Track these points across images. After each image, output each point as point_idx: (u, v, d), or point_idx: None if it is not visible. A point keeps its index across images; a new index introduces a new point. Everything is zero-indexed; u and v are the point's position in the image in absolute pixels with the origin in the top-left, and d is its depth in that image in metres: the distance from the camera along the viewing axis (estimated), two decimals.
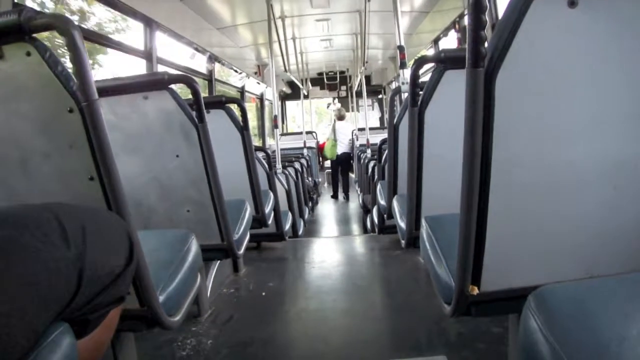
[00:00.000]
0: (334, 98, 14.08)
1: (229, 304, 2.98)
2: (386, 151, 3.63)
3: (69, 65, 1.20)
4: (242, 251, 2.76)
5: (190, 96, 2.25)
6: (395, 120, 3.05)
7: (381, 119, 14.13)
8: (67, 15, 2.38)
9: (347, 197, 11.35)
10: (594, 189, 1.27)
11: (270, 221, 3.83)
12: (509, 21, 1.09)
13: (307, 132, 10.97)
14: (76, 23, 1.15)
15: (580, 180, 1.25)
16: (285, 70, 8.08)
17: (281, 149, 5.92)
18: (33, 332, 0.84)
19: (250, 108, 11.10)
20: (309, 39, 8.38)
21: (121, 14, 4.18)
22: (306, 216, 6.91)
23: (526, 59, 1.12)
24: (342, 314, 2.77)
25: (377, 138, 6.04)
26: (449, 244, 1.58)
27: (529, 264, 1.35)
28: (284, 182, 5.28)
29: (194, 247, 1.89)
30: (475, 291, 1.34)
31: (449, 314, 1.47)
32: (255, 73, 9.47)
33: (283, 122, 14.43)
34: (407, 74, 3.79)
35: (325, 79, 13.20)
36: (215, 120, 2.79)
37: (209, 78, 6.71)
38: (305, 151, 9.55)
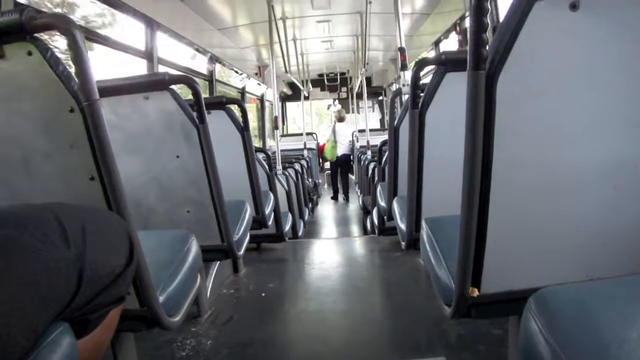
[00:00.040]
0: (334, 99, 14.06)
1: (229, 304, 2.98)
2: (386, 153, 3.63)
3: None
4: (242, 252, 2.76)
5: (190, 97, 2.25)
6: (395, 122, 3.05)
7: (381, 121, 14.13)
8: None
9: (347, 199, 11.36)
10: (594, 191, 1.27)
11: (270, 222, 3.83)
12: (511, 24, 1.09)
13: (308, 134, 10.97)
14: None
15: (580, 182, 1.25)
16: (286, 72, 8.08)
17: (281, 150, 5.92)
18: (33, 332, 0.84)
19: (251, 109, 11.09)
20: (309, 40, 8.38)
21: (109, 7, 4.16)
22: (306, 217, 6.91)
23: (527, 62, 1.12)
24: (342, 315, 2.77)
25: (377, 140, 6.05)
26: (449, 246, 1.58)
27: (529, 265, 1.34)
28: (284, 183, 5.28)
29: (194, 247, 1.89)
30: (476, 293, 1.34)
31: (449, 315, 1.47)
32: (256, 74, 9.48)
33: (283, 123, 14.43)
34: (408, 75, 3.79)
35: (325, 81, 13.19)
36: (216, 121, 2.79)
37: (210, 79, 6.71)
38: (305, 152, 9.54)
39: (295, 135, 12.17)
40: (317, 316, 2.75)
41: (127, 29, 4.31)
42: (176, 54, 5.49)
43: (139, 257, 1.27)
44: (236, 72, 8.43)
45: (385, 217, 3.65)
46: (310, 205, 8.31)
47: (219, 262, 3.08)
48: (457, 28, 5.57)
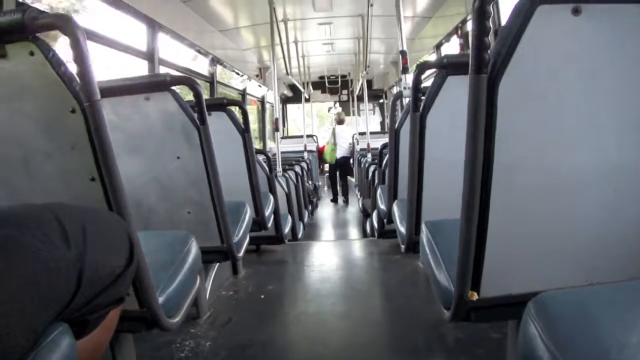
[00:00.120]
0: (335, 102, 14.07)
1: (228, 306, 2.98)
2: (387, 156, 3.64)
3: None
4: (241, 254, 2.76)
5: (191, 98, 2.25)
6: (396, 125, 3.06)
7: (382, 124, 14.14)
8: None
9: (346, 201, 11.36)
10: (594, 195, 1.27)
11: (270, 224, 3.83)
12: (513, 28, 1.09)
13: (308, 136, 10.97)
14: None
15: (581, 186, 1.25)
16: (287, 74, 8.09)
17: (282, 152, 5.92)
18: (33, 332, 0.84)
19: (252, 111, 11.11)
20: (311, 42, 8.38)
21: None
22: (306, 219, 6.91)
23: (529, 66, 1.12)
24: (341, 318, 2.76)
25: (377, 142, 6.05)
26: (449, 249, 1.58)
27: (529, 270, 1.34)
28: (284, 185, 5.28)
29: (193, 248, 1.89)
30: (475, 297, 1.34)
31: (448, 319, 1.47)
32: (257, 76, 9.48)
33: (284, 125, 14.43)
34: (409, 79, 3.80)
35: (326, 83, 13.19)
36: (217, 122, 2.79)
37: (211, 80, 6.72)
38: (305, 154, 9.54)
39: (295, 137, 12.16)
40: (317, 318, 2.75)
41: (129, 30, 4.32)
42: (177, 55, 5.50)
43: (139, 258, 1.27)
44: (237, 73, 8.44)
45: (385, 220, 3.65)
46: (310, 208, 8.30)
47: (218, 263, 3.07)
48: (459, 31, 5.59)
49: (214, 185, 2.36)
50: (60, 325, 0.92)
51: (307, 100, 12.37)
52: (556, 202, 1.27)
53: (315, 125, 15.98)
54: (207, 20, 5.95)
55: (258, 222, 3.50)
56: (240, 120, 3.36)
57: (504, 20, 1.15)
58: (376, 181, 4.68)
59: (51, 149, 1.32)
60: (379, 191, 4.05)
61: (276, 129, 6.15)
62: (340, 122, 11.11)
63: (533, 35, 1.09)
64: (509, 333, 1.66)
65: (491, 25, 1.08)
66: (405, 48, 4.23)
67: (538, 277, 1.34)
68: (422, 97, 2.33)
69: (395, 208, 3.02)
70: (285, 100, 14.15)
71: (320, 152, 11.82)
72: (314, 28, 7.30)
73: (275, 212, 4.17)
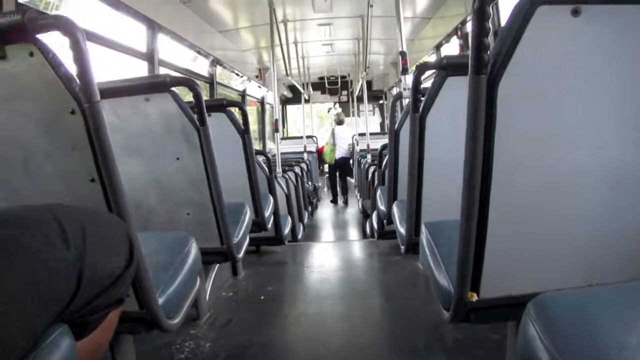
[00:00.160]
0: (335, 103, 14.07)
1: (228, 307, 2.98)
2: (386, 156, 3.64)
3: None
4: (241, 255, 2.76)
5: (191, 99, 2.25)
6: (396, 126, 3.06)
7: (382, 124, 14.14)
8: None
9: (346, 201, 11.37)
10: (594, 196, 1.27)
11: (269, 225, 3.83)
12: (513, 28, 1.09)
13: (308, 137, 10.96)
14: None
15: (580, 187, 1.25)
16: (287, 74, 8.10)
17: (281, 153, 5.92)
18: (32, 333, 0.84)
19: (251, 112, 11.11)
20: (310, 43, 8.39)
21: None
22: (305, 220, 6.91)
23: (529, 67, 1.12)
24: (341, 319, 2.77)
25: (377, 143, 6.05)
26: (449, 250, 1.58)
27: (528, 271, 1.34)
28: (284, 186, 5.28)
29: (193, 249, 1.89)
30: (475, 298, 1.34)
31: (448, 320, 1.47)
32: (257, 77, 9.49)
33: (284, 126, 14.44)
34: (409, 79, 3.80)
35: (326, 84, 13.18)
36: (216, 124, 2.79)
37: (211, 81, 6.72)
38: (305, 155, 9.54)
39: (295, 138, 12.16)
40: (316, 319, 2.75)
41: (128, 31, 4.32)
42: (177, 56, 5.50)
43: (138, 259, 1.27)
44: (237, 74, 8.44)
45: (384, 221, 3.65)
46: (309, 209, 8.30)
47: (218, 264, 3.07)
48: (459, 32, 5.59)
49: (213, 186, 2.35)
50: (60, 326, 0.92)
51: (307, 101, 12.37)
52: (556, 202, 1.27)
53: (315, 126, 15.98)
54: (207, 21, 5.96)
55: (258, 223, 3.50)
56: (240, 121, 3.36)
57: (503, 21, 1.15)
58: (376, 182, 4.68)
59: (51, 149, 1.32)
60: (378, 192, 4.05)
61: (276, 130, 6.15)
62: (339, 122, 11.10)
63: (533, 36, 1.09)
64: (508, 334, 1.66)
65: (491, 26, 1.08)
66: (405, 49, 4.23)
67: (537, 278, 1.34)
68: (422, 98, 2.33)
69: (395, 209, 3.02)
70: (285, 101, 14.15)
71: (319, 152, 11.81)
72: (313, 29, 7.30)
73: (275, 213, 4.17)
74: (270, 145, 11.39)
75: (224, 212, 2.43)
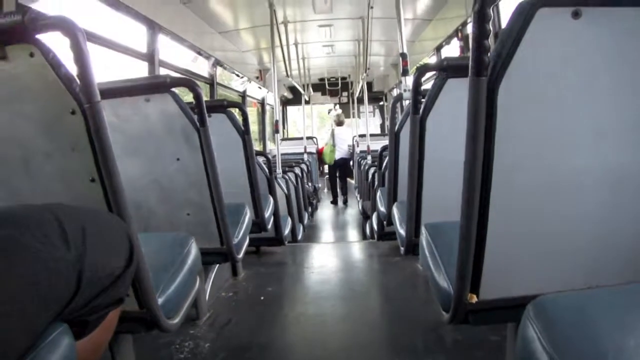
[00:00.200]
0: (335, 104, 14.06)
1: (228, 307, 2.98)
2: (387, 158, 3.64)
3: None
4: (241, 255, 2.76)
5: (191, 99, 2.25)
6: (396, 127, 3.05)
7: (382, 126, 14.14)
8: None
9: (345, 201, 11.37)
10: (594, 199, 1.27)
11: (269, 226, 3.83)
12: (513, 30, 1.09)
13: (308, 138, 10.96)
14: None
15: (580, 189, 1.25)
16: (287, 76, 8.10)
17: (282, 154, 5.92)
18: (32, 333, 0.84)
19: (252, 112, 11.11)
20: (311, 44, 8.38)
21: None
22: (305, 221, 6.91)
23: (529, 69, 1.12)
24: (341, 320, 2.77)
25: (377, 145, 6.05)
26: (449, 252, 1.58)
27: (528, 273, 1.34)
28: (284, 187, 5.28)
29: (193, 250, 1.89)
30: (474, 299, 1.34)
31: (447, 321, 1.47)
32: (257, 77, 9.48)
33: (284, 127, 14.44)
34: (409, 81, 3.80)
35: (326, 85, 13.17)
36: (217, 124, 2.79)
37: (211, 82, 6.72)
38: (305, 156, 9.54)
39: (295, 139, 12.16)
40: (316, 320, 2.75)
41: (129, 31, 4.32)
42: (177, 56, 5.50)
43: (138, 259, 1.27)
44: (237, 75, 8.43)
45: (384, 222, 3.65)
46: (309, 210, 8.30)
47: (218, 265, 3.07)
48: (459, 34, 5.58)
49: (213, 187, 2.36)
50: (60, 325, 0.92)
51: (307, 102, 12.37)
52: (555, 204, 1.27)
53: (316, 127, 15.98)
54: (207, 22, 5.95)
55: (258, 224, 3.51)
56: (240, 122, 3.36)
57: (504, 23, 1.15)
58: (376, 183, 4.69)
59: (51, 150, 1.32)
60: (378, 193, 4.05)
61: (276, 131, 6.15)
62: (339, 123, 11.09)
63: (533, 38, 1.09)
64: (507, 335, 1.66)
65: (491, 28, 1.08)
66: (405, 50, 4.22)
67: (537, 279, 1.34)
68: (422, 100, 2.33)
69: (394, 210, 3.02)
70: (285, 102, 14.15)
71: (319, 153, 11.81)
72: (314, 30, 7.30)
73: (275, 213, 4.17)
74: (270, 146, 11.39)
75: (224, 213, 2.43)
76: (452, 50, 6.17)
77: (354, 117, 12.86)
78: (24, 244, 0.87)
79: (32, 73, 1.20)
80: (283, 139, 11.68)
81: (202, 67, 6.48)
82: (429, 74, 3.31)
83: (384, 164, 4.14)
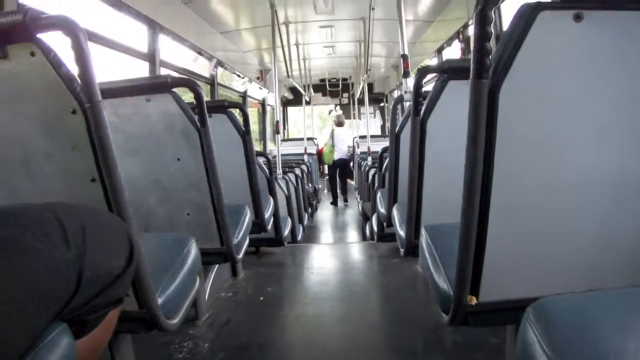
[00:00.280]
0: (335, 105, 14.05)
1: (227, 308, 2.98)
2: (387, 159, 3.64)
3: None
4: (241, 255, 2.76)
5: (192, 99, 2.25)
6: (397, 129, 3.05)
7: (382, 127, 14.14)
8: None
9: (345, 200, 11.38)
10: (595, 202, 1.27)
11: (269, 226, 3.83)
12: (515, 33, 1.09)
13: (308, 139, 10.96)
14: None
15: (581, 192, 1.25)
16: (288, 76, 8.09)
17: (282, 155, 5.91)
18: (32, 333, 0.84)
19: (252, 113, 11.11)
20: (312, 45, 8.39)
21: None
22: (305, 222, 6.91)
23: (531, 71, 1.12)
24: (340, 320, 2.77)
25: (378, 146, 6.05)
26: (448, 254, 1.58)
27: (528, 275, 1.34)
28: (284, 187, 5.28)
29: (193, 250, 1.89)
30: (474, 301, 1.34)
31: (447, 323, 1.47)
32: (258, 78, 9.48)
33: (284, 128, 14.44)
34: (410, 82, 3.79)
35: (327, 86, 13.16)
36: (217, 124, 2.79)
37: (212, 82, 6.72)
38: (306, 157, 9.54)
39: (296, 139, 12.15)
40: (315, 321, 2.75)
41: (130, 31, 4.32)
42: (178, 56, 5.50)
43: (138, 259, 1.27)
44: (238, 75, 8.43)
45: (384, 224, 3.65)
46: (309, 210, 8.30)
47: (217, 265, 3.07)
48: (460, 36, 5.58)
49: (214, 187, 2.36)
50: (60, 325, 0.92)
51: (308, 103, 12.37)
52: (556, 207, 1.27)
53: (317, 127, 15.98)
54: (209, 22, 5.96)
55: (258, 224, 3.50)
56: (241, 122, 3.36)
57: (505, 26, 1.16)
58: (376, 185, 4.68)
59: (52, 149, 1.32)
60: (378, 195, 4.05)
61: (277, 132, 6.15)
62: (339, 124, 11.08)
63: (535, 41, 1.09)
64: (507, 338, 1.66)
65: (493, 31, 1.08)
66: (406, 52, 4.22)
67: (537, 282, 1.34)
68: (423, 102, 2.33)
69: (395, 212, 3.02)
70: (286, 103, 14.17)
71: (319, 153, 11.81)
72: (315, 31, 7.31)
73: (275, 214, 4.17)
74: (270, 146, 11.39)
75: (224, 213, 2.43)
76: (454, 52, 6.18)
77: (354, 118, 12.87)
78: (25, 243, 0.87)
79: (33, 72, 1.20)
80: (283, 140, 11.68)
81: (203, 67, 6.48)
82: (430, 76, 3.31)
83: (384, 166, 4.13)
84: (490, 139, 1.15)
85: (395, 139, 3.04)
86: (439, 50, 6.73)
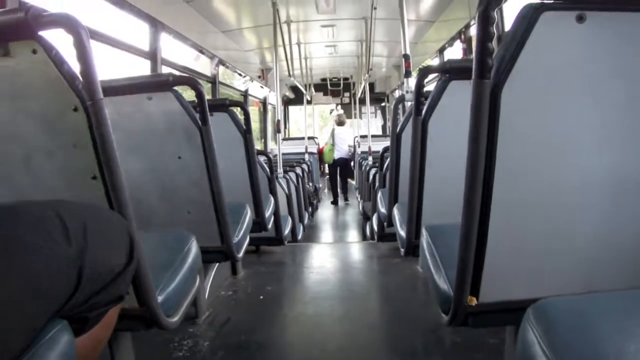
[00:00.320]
0: (337, 104, 14.04)
1: (227, 306, 2.98)
2: (388, 159, 3.64)
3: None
4: (241, 254, 2.76)
5: (193, 98, 2.25)
6: (398, 129, 3.05)
7: (383, 127, 14.14)
8: None
9: (346, 199, 11.40)
10: (596, 203, 1.26)
11: (270, 225, 3.83)
12: (517, 33, 1.09)
13: (309, 138, 10.96)
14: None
15: (582, 193, 1.25)
16: (289, 75, 8.09)
17: (283, 154, 5.91)
18: (32, 330, 0.84)
19: (253, 112, 11.11)
20: (313, 44, 8.39)
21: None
22: (306, 221, 6.91)
23: (533, 72, 1.12)
24: (339, 320, 2.77)
25: (379, 146, 6.04)
26: (449, 254, 1.58)
27: (528, 276, 1.34)
28: (285, 186, 5.28)
29: (194, 248, 1.89)
30: (474, 302, 1.34)
31: (447, 323, 1.47)
32: (259, 77, 9.48)
33: (285, 127, 14.44)
34: (411, 82, 3.79)
35: (328, 85, 13.14)
36: (218, 123, 2.79)
37: (213, 81, 6.72)
38: (306, 156, 9.54)
39: (297, 139, 12.15)
40: (315, 320, 2.75)
41: (132, 29, 4.33)
42: (180, 55, 5.50)
43: (139, 257, 1.27)
44: (239, 74, 8.43)
45: (385, 223, 3.64)
46: (310, 210, 8.30)
47: (218, 263, 3.07)
48: (462, 36, 5.58)
49: (214, 186, 2.36)
50: (60, 322, 0.92)
51: (309, 102, 12.37)
52: (557, 208, 1.27)
53: (318, 126, 15.98)
54: (210, 21, 5.95)
55: (258, 223, 3.50)
56: (242, 121, 3.36)
57: (507, 26, 1.15)
58: (377, 184, 4.68)
59: (53, 147, 1.32)
60: (379, 194, 4.05)
61: (278, 131, 6.15)
62: (340, 123, 11.09)
63: (537, 42, 1.09)
64: (507, 339, 1.66)
65: (495, 31, 1.08)
66: (408, 52, 4.22)
67: (537, 283, 1.34)
68: (424, 102, 2.33)
69: (395, 211, 3.02)
70: (287, 102, 14.16)
71: (319, 152, 11.81)
72: (316, 30, 7.30)
73: (276, 213, 4.17)
74: (271, 145, 11.38)
75: (225, 212, 2.43)
76: (455, 52, 6.18)
77: (355, 117, 12.87)
78: (26, 241, 0.87)
79: (35, 70, 1.20)
80: (284, 139, 11.67)
81: (204, 66, 6.48)
82: (431, 76, 3.31)
83: (385, 165, 4.13)
84: (492, 139, 1.15)
85: (396, 139, 3.04)
86: (441, 50, 6.73)
